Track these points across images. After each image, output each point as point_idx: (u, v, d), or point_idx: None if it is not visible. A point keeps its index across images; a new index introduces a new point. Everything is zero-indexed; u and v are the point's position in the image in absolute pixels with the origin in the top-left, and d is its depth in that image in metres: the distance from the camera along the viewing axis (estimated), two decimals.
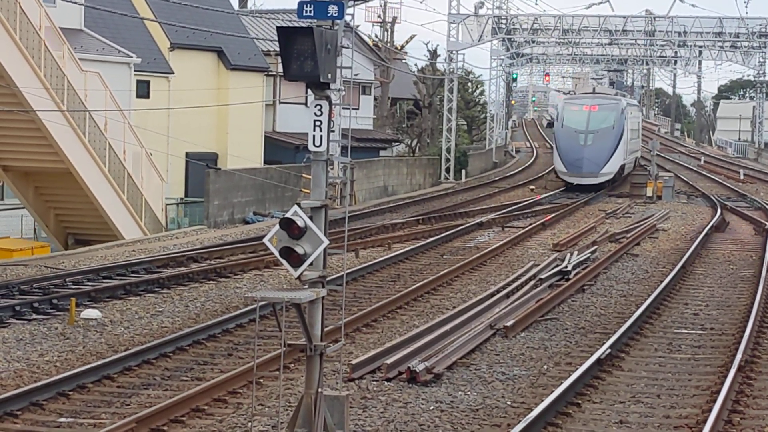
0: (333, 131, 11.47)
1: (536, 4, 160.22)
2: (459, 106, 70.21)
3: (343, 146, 33.70)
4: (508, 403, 14.89)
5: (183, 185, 45.45)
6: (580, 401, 14.95)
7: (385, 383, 15.52)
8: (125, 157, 34.70)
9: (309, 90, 10.74)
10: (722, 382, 15.38)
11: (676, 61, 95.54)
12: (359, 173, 48.41)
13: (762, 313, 21.24)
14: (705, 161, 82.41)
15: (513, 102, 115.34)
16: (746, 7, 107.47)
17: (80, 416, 14.04)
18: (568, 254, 28.21)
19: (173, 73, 44.91)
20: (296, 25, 11.03)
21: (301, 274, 10.56)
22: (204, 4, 39.34)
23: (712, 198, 49.67)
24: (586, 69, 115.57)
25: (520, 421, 13.31)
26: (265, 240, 10.86)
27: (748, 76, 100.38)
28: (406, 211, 42.69)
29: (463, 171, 62.32)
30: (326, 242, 10.57)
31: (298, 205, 10.60)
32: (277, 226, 10.55)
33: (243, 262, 26.74)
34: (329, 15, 10.56)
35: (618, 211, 42.85)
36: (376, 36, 74.82)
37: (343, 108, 40.33)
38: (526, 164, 74.95)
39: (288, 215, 10.50)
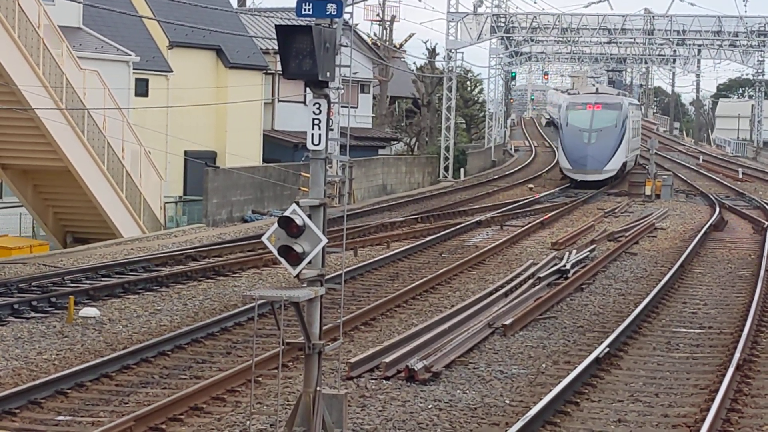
0: (332, 130, 11.46)
1: (535, 2, 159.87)
2: (458, 104, 70.22)
3: (341, 145, 33.66)
4: (507, 401, 14.89)
5: (182, 183, 45.42)
6: (578, 400, 14.94)
7: (384, 382, 15.52)
8: (124, 156, 34.68)
9: (308, 88, 10.73)
10: (720, 381, 15.37)
11: (674, 60, 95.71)
12: (358, 172, 48.40)
13: (760, 312, 21.24)
14: (704, 160, 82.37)
15: (512, 101, 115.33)
16: (745, 5, 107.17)
17: (79, 414, 14.04)
18: (567, 253, 28.22)
19: (172, 71, 44.89)
20: (295, 23, 11.03)
21: (300, 272, 10.56)
22: (203, 2, 39.34)
23: (711, 197, 49.66)
24: (585, 68, 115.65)
25: (518, 419, 13.32)
26: (264, 238, 10.87)
27: (747, 74, 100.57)
28: (405, 210, 42.66)
29: (462, 170, 62.31)
30: (325, 241, 10.57)
31: (297, 203, 10.60)
32: (276, 225, 10.54)
33: (241, 260, 26.73)
34: (328, 13, 10.56)
35: (617, 210, 42.84)
36: (375, 34, 74.88)
37: (341, 106, 40.66)
38: (525, 163, 74.95)
39: (287, 214, 10.50)
